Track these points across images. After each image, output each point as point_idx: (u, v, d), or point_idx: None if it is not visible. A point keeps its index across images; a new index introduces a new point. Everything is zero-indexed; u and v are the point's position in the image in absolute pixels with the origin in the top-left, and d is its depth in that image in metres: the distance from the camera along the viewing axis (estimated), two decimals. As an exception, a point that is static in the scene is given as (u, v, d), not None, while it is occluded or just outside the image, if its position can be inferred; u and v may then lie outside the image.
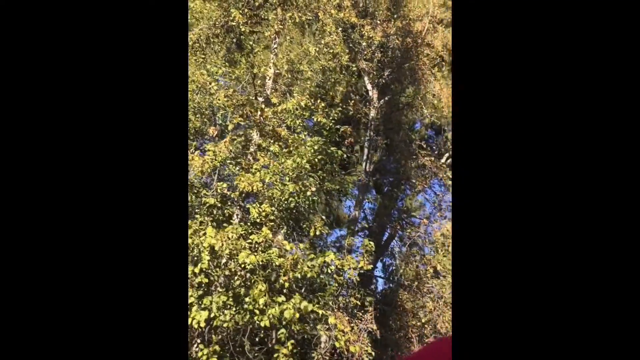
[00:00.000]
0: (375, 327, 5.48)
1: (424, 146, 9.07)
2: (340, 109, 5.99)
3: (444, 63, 8.24)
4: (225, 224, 5.03)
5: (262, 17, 6.93)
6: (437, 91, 7.65)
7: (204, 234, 4.57)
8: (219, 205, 5.38)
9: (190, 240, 4.54)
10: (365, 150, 7.79)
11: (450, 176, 7.94)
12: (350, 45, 7.38)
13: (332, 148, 5.53)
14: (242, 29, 6.38)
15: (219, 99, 5.54)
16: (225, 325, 4.51)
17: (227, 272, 4.87)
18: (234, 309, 4.56)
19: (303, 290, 5.17)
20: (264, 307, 4.46)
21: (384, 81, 7.65)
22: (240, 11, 6.29)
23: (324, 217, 5.38)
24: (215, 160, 5.13)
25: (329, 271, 4.92)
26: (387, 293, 8.44)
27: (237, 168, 5.45)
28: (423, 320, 6.61)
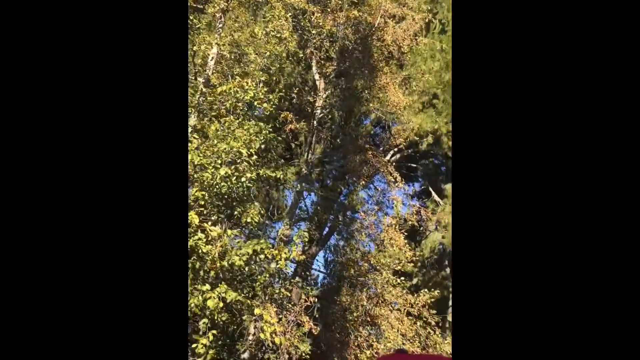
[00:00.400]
0: (305, 320, 5.36)
1: (370, 141, 9.07)
2: (282, 94, 5.80)
3: (393, 58, 8.24)
4: (151, 207, 4.71)
5: (208, -7, 6.59)
6: (384, 85, 7.63)
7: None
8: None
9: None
10: (309, 141, 7.66)
11: (392, 172, 7.98)
12: (300, 31, 7.20)
13: (271, 134, 5.34)
14: (185, 4, 6.02)
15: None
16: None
17: (149, 258, 4.56)
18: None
19: (235, 281, 4.96)
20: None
21: (331, 72, 7.53)
22: (184, -16, 5.93)
23: (257, 204, 5.18)
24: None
25: (258, 260, 4.74)
26: (326, 287, 8.38)
27: (168, 148, 5.14)
28: (355, 315, 6.59)
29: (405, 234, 7.40)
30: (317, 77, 7.64)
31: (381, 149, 9.30)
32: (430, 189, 9.23)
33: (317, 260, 8.94)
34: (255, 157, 5.01)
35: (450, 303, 9.23)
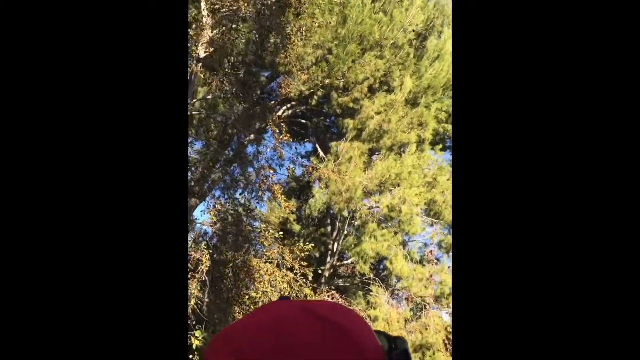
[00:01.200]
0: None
1: (261, 94, 8.70)
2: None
3: (291, 7, 7.86)
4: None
5: None
6: (279, 33, 7.26)
7: None
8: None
9: None
10: (191, 82, 7.06)
11: (282, 127, 7.75)
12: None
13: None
14: None
15: None
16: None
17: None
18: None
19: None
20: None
21: (223, 9, 6.94)
22: None
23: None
24: None
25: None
26: (203, 239, 8.04)
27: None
28: (230, 266, 6.36)
29: (285, 186, 7.27)
30: (205, 12, 6.99)
31: (272, 102, 8.99)
32: (317, 146, 9.19)
33: (196, 214, 8.51)
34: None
35: (328, 259, 9.47)
